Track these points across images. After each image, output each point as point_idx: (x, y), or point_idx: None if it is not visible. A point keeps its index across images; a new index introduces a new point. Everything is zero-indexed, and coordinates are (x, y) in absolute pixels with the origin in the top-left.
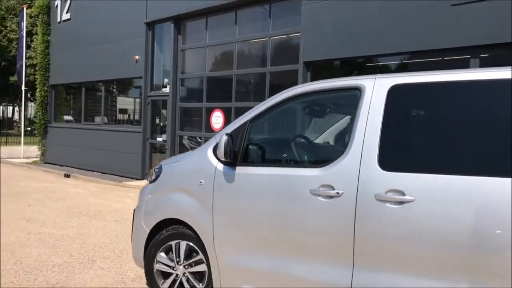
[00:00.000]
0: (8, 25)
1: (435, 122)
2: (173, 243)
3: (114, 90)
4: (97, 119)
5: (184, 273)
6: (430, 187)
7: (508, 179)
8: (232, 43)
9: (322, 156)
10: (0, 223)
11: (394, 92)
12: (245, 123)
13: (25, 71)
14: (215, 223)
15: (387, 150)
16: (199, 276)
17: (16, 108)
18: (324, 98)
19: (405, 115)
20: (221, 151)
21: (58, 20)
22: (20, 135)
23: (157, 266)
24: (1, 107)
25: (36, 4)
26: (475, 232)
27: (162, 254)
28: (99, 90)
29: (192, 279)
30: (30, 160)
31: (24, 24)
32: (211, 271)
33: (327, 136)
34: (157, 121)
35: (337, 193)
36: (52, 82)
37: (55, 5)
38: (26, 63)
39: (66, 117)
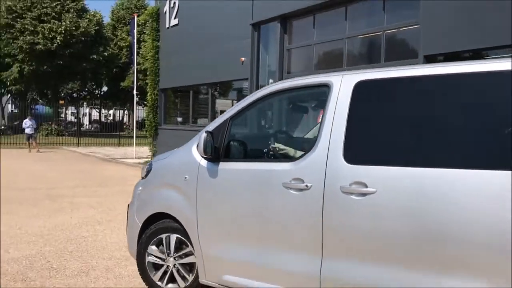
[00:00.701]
0: (118, 34)
1: (396, 116)
2: (163, 236)
3: (216, 92)
4: (200, 121)
5: (175, 264)
6: (390, 179)
7: (466, 171)
8: (341, 40)
9: (294, 150)
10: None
11: (359, 88)
12: (225, 121)
13: (136, 76)
14: (199, 217)
15: (351, 144)
16: (189, 267)
17: (126, 112)
18: (297, 95)
19: (368, 110)
20: (200, 147)
21: (167, 26)
22: (131, 137)
23: (148, 259)
24: (112, 110)
25: (146, 12)
26: (433, 223)
27: (153, 247)
28: (205, 92)
29: (182, 270)
30: (142, 161)
31: (135, 31)
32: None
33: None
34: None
35: (306, 186)
36: (162, 86)
37: (164, 12)
38: (136, 68)
39: (175, 119)
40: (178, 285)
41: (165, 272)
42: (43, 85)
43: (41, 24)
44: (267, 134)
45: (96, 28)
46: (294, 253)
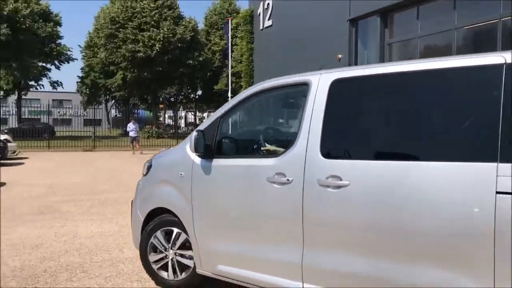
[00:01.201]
0: (211, 39)
1: (367, 112)
2: (163, 229)
3: None
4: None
5: (175, 255)
6: (362, 172)
7: (434, 163)
8: (450, 31)
9: (279, 146)
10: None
11: (335, 86)
12: (216, 120)
13: (230, 79)
14: (194, 211)
15: (327, 139)
16: (188, 258)
17: None
18: (280, 94)
19: (343, 106)
20: (191, 145)
21: (261, 27)
22: None
23: (150, 256)
24: (206, 113)
25: (239, 15)
26: (401, 214)
27: (154, 240)
28: None
29: (182, 261)
30: None
31: (229, 35)
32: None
33: None
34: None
35: (288, 180)
36: None
37: (258, 14)
38: (230, 71)
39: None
40: (178, 275)
41: (166, 263)
42: (143, 90)
43: (141, 33)
44: (255, 131)
45: (192, 34)
46: (279, 244)
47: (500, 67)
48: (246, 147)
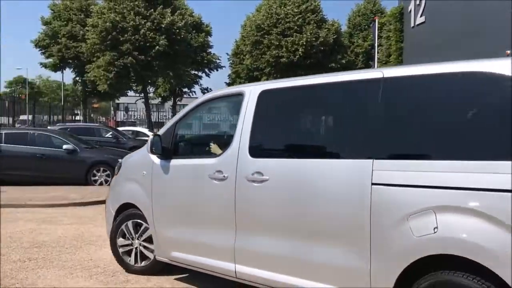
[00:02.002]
0: (354, 40)
1: (284, 117)
2: (129, 222)
3: None
4: None
5: (140, 244)
6: (277, 168)
7: (334, 160)
8: None
9: (221, 148)
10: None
11: (262, 96)
12: (173, 124)
13: None
14: (153, 205)
15: (254, 141)
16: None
17: None
18: (224, 103)
19: (266, 113)
20: (148, 147)
21: (412, 25)
22: None
23: (119, 241)
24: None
25: (388, 13)
26: (307, 202)
27: (122, 231)
28: None
29: (145, 250)
30: None
31: (376, 34)
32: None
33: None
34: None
35: (224, 176)
36: None
37: (408, 11)
38: None
39: None
40: (144, 261)
41: (132, 252)
42: None
43: (285, 38)
44: (204, 134)
45: (334, 36)
46: (218, 231)
47: (378, 81)
48: (197, 148)
